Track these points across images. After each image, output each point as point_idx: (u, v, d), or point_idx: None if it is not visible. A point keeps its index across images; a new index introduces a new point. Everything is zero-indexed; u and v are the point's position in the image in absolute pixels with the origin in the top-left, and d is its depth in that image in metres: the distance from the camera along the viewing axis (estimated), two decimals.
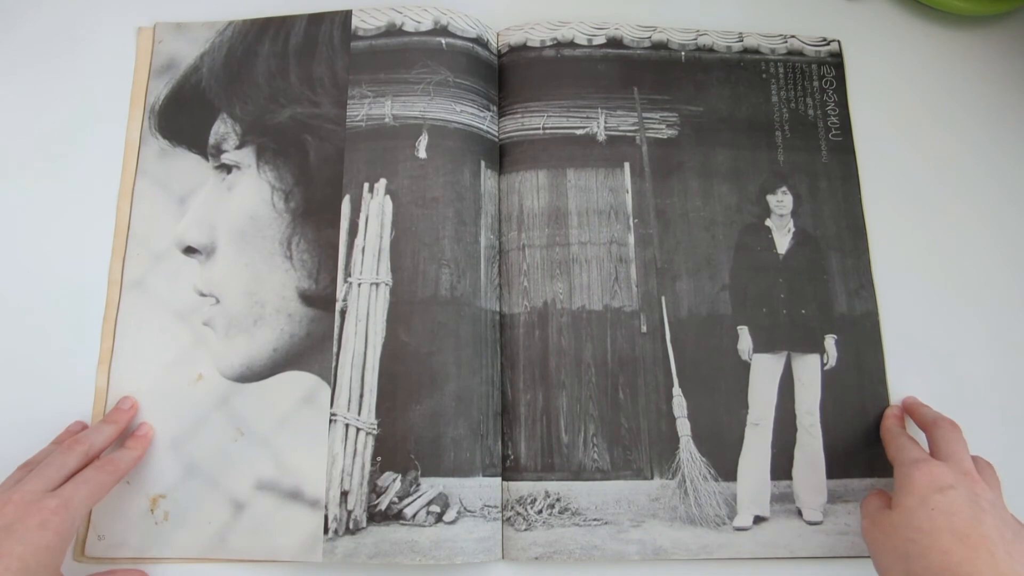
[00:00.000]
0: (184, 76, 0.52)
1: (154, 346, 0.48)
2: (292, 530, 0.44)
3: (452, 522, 0.44)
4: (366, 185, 0.49)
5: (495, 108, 0.53)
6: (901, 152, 0.55)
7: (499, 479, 0.46)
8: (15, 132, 0.52)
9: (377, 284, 0.48)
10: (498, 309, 0.49)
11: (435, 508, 0.44)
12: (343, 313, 0.47)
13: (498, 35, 0.55)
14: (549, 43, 0.54)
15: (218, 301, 0.48)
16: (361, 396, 0.46)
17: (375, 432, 0.45)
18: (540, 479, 0.46)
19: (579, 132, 0.52)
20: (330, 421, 0.46)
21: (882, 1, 0.60)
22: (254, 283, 0.48)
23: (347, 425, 0.46)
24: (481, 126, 0.51)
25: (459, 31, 0.52)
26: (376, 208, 0.49)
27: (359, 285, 0.48)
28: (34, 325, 0.48)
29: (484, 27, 0.54)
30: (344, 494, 0.45)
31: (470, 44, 0.52)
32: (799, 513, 0.47)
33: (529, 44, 0.54)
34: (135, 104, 0.52)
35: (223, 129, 0.51)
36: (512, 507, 0.46)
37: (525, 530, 0.45)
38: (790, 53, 0.56)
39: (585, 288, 0.50)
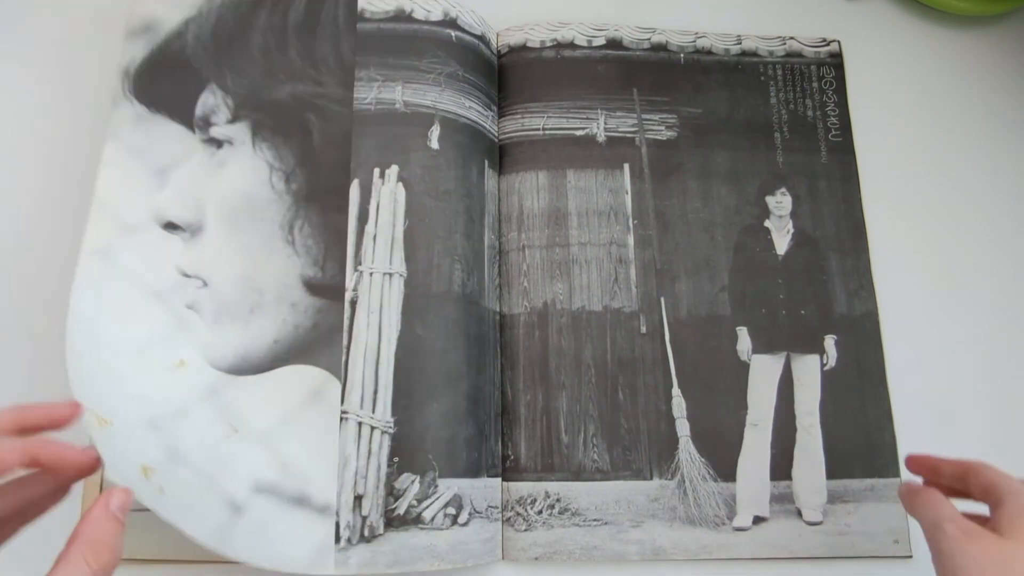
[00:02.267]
0: (165, 41, 0.48)
1: (121, 323, 0.42)
2: (298, 539, 0.40)
3: (465, 524, 0.43)
4: (376, 170, 0.47)
5: (495, 108, 0.53)
6: (901, 152, 0.55)
7: (499, 479, 0.47)
8: None
9: (391, 275, 0.45)
10: (498, 309, 0.49)
11: (451, 510, 0.43)
12: (354, 303, 0.44)
13: (498, 35, 0.55)
14: (549, 44, 0.54)
15: (205, 284, 0.44)
16: (375, 392, 0.43)
17: (391, 431, 0.43)
18: (540, 479, 0.46)
19: (579, 133, 0.52)
20: (341, 419, 0.43)
21: (882, 1, 0.60)
22: (251, 268, 0.44)
23: (360, 423, 0.42)
24: (485, 124, 0.51)
25: (467, 26, 0.52)
26: (388, 195, 0.46)
27: (371, 275, 0.45)
28: None
29: (487, 26, 0.54)
30: (358, 498, 0.41)
31: (476, 41, 0.52)
32: (799, 513, 0.47)
33: (529, 45, 0.54)
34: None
35: (212, 101, 0.47)
36: (512, 507, 0.46)
37: (525, 530, 0.45)
38: (789, 55, 0.56)
39: (585, 289, 0.50)
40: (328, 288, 0.45)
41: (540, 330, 0.49)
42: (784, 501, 0.47)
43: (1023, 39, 0.59)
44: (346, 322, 0.44)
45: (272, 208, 0.45)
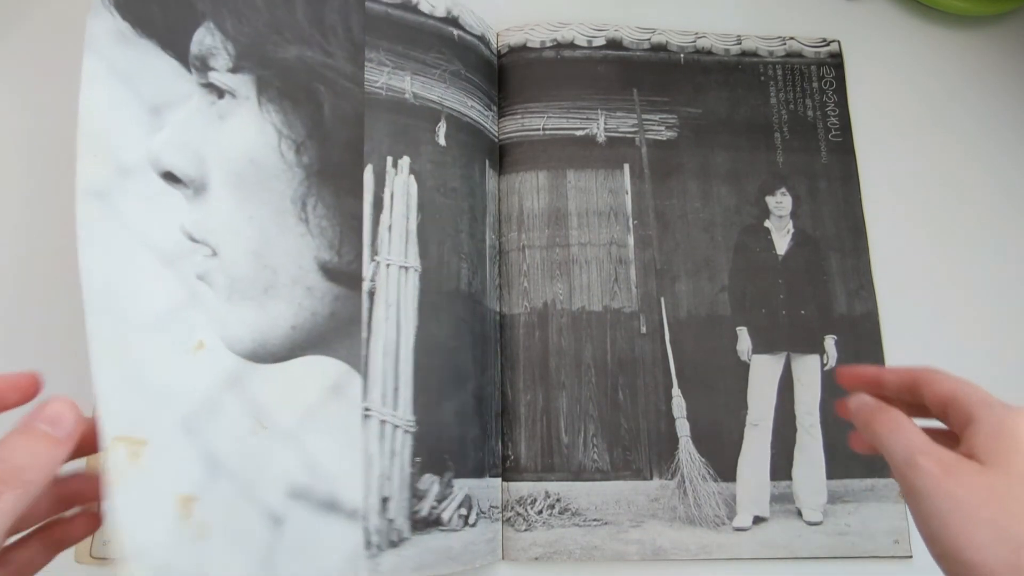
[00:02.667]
0: None
1: (131, 287, 0.36)
2: (331, 549, 0.37)
3: (474, 524, 0.43)
4: (389, 159, 0.45)
5: (495, 108, 0.53)
6: (901, 152, 0.55)
7: (499, 479, 0.47)
8: None
9: (407, 268, 0.44)
10: (498, 309, 0.49)
11: (463, 511, 0.42)
12: (372, 295, 0.42)
13: (498, 35, 0.55)
14: (549, 44, 0.54)
15: (215, 253, 0.39)
16: (396, 389, 0.41)
17: (413, 430, 0.41)
18: (540, 479, 0.46)
19: (579, 133, 0.52)
20: (364, 416, 0.40)
21: (882, 1, 0.60)
22: (262, 243, 0.40)
23: (383, 421, 0.40)
24: (485, 124, 0.51)
25: (467, 26, 0.51)
26: (401, 186, 0.44)
27: (388, 266, 0.43)
28: None
29: (486, 26, 0.54)
30: (384, 501, 0.39)
31: (476, 41, 0.52)
32: (799, 513, 0.47)
33: (529, 45, 0.54)
34: None
35: (210, 41, 0.41)
36: (512, 507, 0.46)
37: (525, 530, 0.45)
38: (789, 55, 0.56)
39: (585, 289, 0.50)
40: (345, 275, 0.41)
41: (540, 330, 0.49)
42: (784, 501, 0.47)
43: (1023, 39, 0.59)
44: (365, 314, 0.42)
45: (282, 179, 0.41)
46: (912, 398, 0.33)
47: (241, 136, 0.41)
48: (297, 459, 0.38)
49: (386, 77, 0.46)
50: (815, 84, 0.55)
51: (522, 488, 0.46)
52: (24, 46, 0.54)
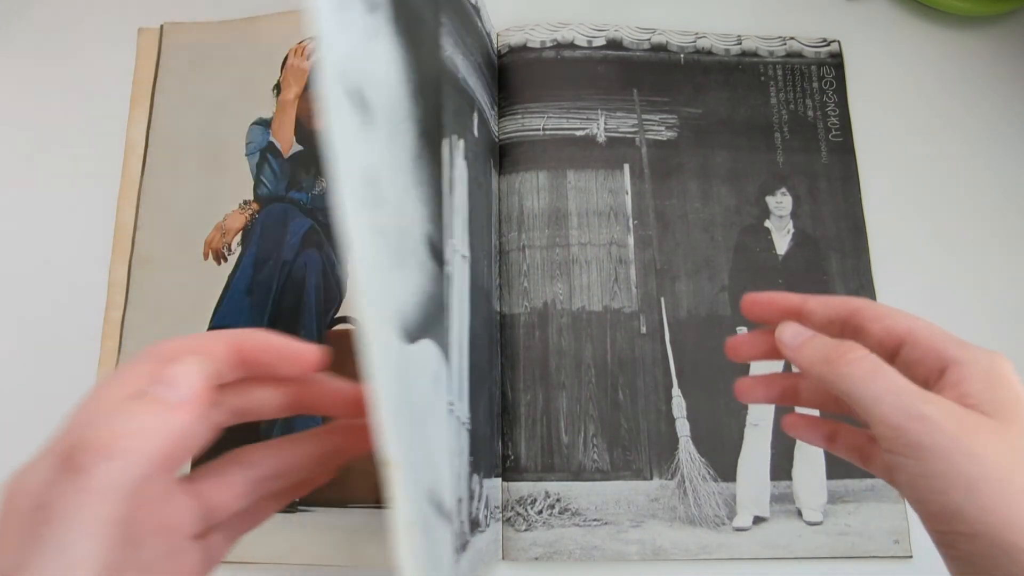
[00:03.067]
0: None
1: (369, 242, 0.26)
2: (442, 556, 0.31)
3: (488, 525, 0.43)
4: (454, 137, 0.39)
5: (496, 108, 0.53)
6: (901, 152, 0.55)
7: (499, 480, 0.47)
8: None
9: (465, 257, 0.39)
10: (498, 309, 0.49)
11: (485, 511, 0.42)
12: (450, 279, 0.36)
13: (498, 35, 0.55)
14: (549, 44, 0.54)
15: (383, 201, 0.28)
16: (461, 383, 0.37)
17: (469, 428, 0.38)
18: (540, 479, 0.46)
19: (579, 133, 0.52)
20: (448, 410, 0.35)
21: (882, 1, 0.59)
22: (399, 201, 0.30)
23: (457, 417, 0.36)
24: (490, 124, 0.51)
25: (485, 20, 0.51)
26: (459, 170, 0.39)
27: (454, 252, 0.37)
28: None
29: (491, 24, 0.54)
30: (459, 501, 0.35)
31: (487, 37, 0.52)
32: (799, 513, 0.47)
33: (529, 45, 0.54)
34: None
35: None
36: (512, 507, 0.46)
37: (525, 530, 0.45)
38: (789, 55, 0.56)
39: (585, 289, 0.50)
40: (439, 254, 0.35)
41: (540, 330, 0.49)
42: (784, 501, 0.47)
43: (1023, 39, 0.59)
44: (446, 300, 0.35)
45: (402, 131, 0.32)
46: (841, 333, 0.28)
47: (385, 66, 0.31)
48: (426, 458, 0.30)
49: (451, 49, 0.40)
50: (815, 84, 0.55)
51: (522, 488, 0.46)
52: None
